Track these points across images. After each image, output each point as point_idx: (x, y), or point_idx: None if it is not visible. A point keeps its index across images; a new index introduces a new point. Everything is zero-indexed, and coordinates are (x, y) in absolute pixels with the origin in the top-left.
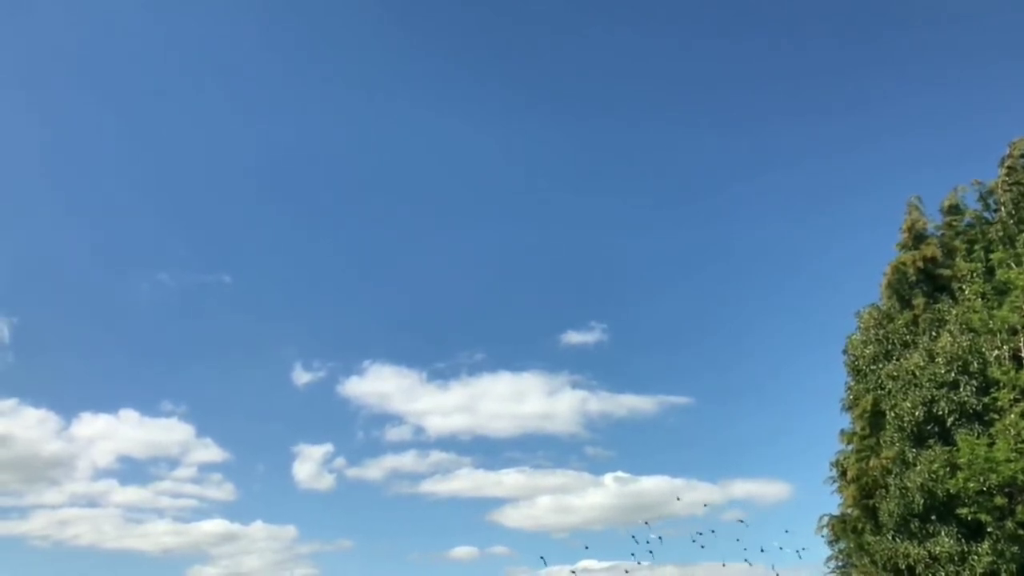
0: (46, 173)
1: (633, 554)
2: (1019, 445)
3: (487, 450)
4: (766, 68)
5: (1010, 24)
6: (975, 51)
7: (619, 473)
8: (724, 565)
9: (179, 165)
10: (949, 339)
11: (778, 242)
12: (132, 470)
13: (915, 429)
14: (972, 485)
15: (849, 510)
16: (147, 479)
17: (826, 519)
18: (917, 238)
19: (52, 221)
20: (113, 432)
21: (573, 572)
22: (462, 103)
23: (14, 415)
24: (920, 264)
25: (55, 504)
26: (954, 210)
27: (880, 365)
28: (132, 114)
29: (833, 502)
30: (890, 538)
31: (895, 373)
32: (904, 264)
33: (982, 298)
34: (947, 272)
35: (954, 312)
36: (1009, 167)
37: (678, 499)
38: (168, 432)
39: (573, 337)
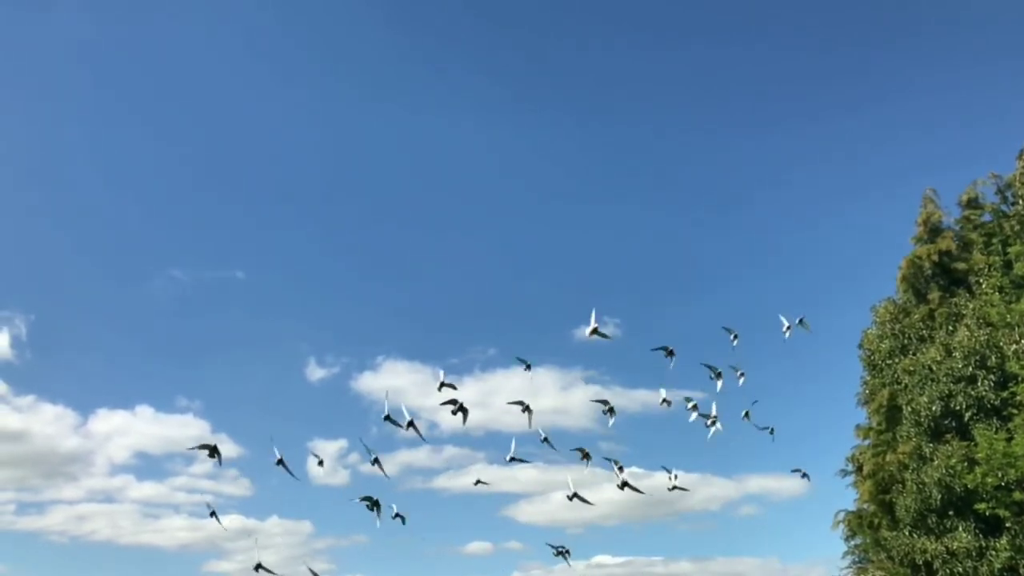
0: (61, 172)
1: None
2: None
3: (501, 445)
4: (780, 68)
5: None
6: (992, 46)
7: (633, 468)
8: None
9: (191, 163)
10: (966, 333)
11: (792, 236)
12: (148, 466)
13: (932, 424)
14: (990, 480)
15: (865, 505)
16: (163, 475)
17: (842, 514)
18: (932, 231)
19: (67, 219)
20: (129, 428)
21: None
22: (476, 102)
23: (31, 411)
24: (935, 258)
25: (72, 500)
26: (972, 203)
27: (896, 360)
28: (143, 113)
29: (849, 497)
30: (907, 533)
31: (911, 368)
32: (919, 258)
33: (999, 292)
34: (963, 266)
35: (971, 306)
36: None
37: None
38: (183, 428)
39: (586, 332)
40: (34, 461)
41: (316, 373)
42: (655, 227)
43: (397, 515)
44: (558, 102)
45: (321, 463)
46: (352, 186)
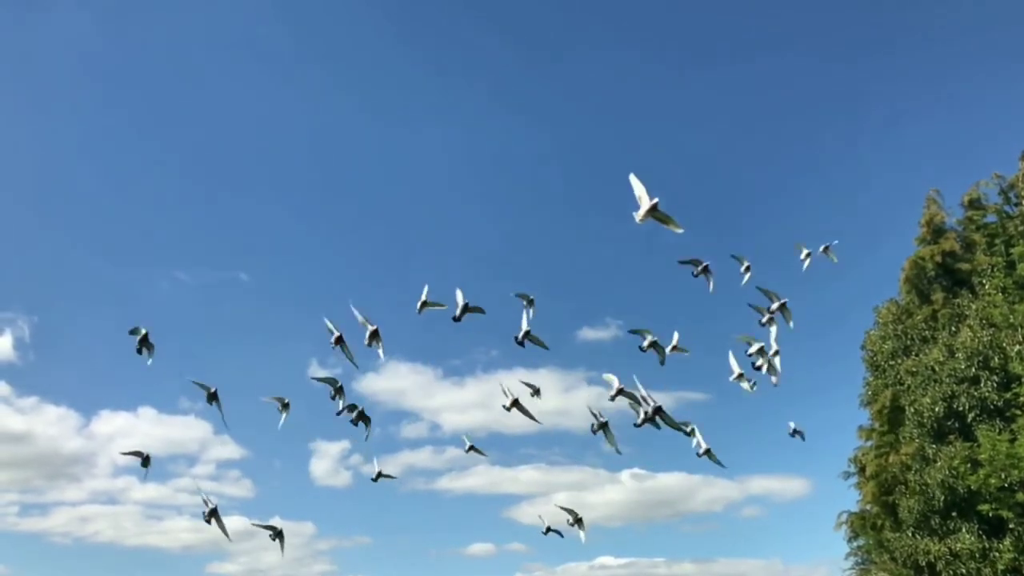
0: (65, 173)
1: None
2: None
3: (503, 447)
4: (781, 70)
5: None
6: (995, 47)
7: (636, 470)
8: None
9: (193, 165)
10: (969, 334)
11: (795, 236)
12: (151, 467)
13: (935, 425)
14: (993, 481)
15: (868, 507)
16: (166, 476)
17: (845, 516)
18: (936, 232)
19: (71, 220)
20: (132, 429)
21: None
22: (477, 104)
23: (35, 413)
24: (939, 258)
25: (75, 501)
26: (976, 204)
27: (899, 360)
28: (146, 115)
29: (852, 499)
30: (910, 535)
31: (914, 368)
32: (922, 258)
33: (1002, 292)
34: (966, 266)
35: (974, 307)
36: None
37: None
38: (186, 429)
39: (588, 334)
40: (37, 462)
41: (318, 375)
42: (657, 229)
43: (379, 475)
44: (556, 106)
45: (286, 406)
46: (354, 188)
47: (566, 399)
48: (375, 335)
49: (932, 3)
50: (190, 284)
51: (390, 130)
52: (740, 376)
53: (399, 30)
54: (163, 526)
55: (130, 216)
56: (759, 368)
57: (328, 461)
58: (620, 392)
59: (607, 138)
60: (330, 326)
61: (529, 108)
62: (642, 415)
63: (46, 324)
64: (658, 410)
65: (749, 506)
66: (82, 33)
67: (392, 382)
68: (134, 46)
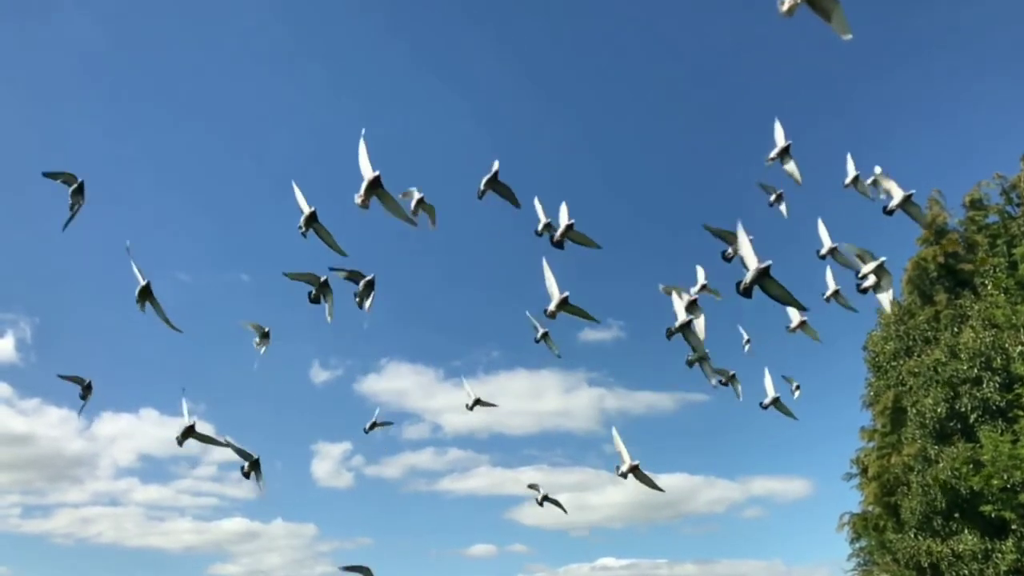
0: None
1: None
2: None
3: (505, 448)
4: (782, 69)
5: None
6: (996, 47)
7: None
8: None
9: (194, 166)
10: (971, 335)
11: (796, 236)
12: (153, 469)
13: (937, 426)
14: (996, 482)
15: (870, 507)
16: (168, 478)
17: (847, 517)
18: (938, 233)
19: (73, 222)
20: (134, 431)
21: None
22: (477, 104)
23: (37, 414)
24: (941, 259)
25: (77, 502)
26: (977, 204)
27: (901, 361)
28: (147, 117)
29: (854, 499)
30: (912, 536)
31: (916, 369)
32: (925, 259)
33: (1005, 293)
34: (968, 267)
35: (976, 307)
36: None
37: None
38: None
39: (590, 334)
40: (39, 464)
41: (320, 376)
42: (659, 229)
43: (374, 425)
44: (556, 108)
45: (265, 335)
46: (354, 188)
47: (567, 400)
48: (421, 202)
49: (932, 3)
50: (191, 285)
51: (390, 131)
52: (803, 324)
53: (400, 30)
54: (165, 527)
55: (131, 216)
56: (865, 291)
57: (330, 462)
58: (693, 304)
59: (607, 139)
60: (301, 203)
61: (529, 109)
62: (749, 277)
63: (48, 325)
64: (764, 271)
65: (751, 507)
66: (83, 37)
67: (393, 383)
68: (134, 47)
